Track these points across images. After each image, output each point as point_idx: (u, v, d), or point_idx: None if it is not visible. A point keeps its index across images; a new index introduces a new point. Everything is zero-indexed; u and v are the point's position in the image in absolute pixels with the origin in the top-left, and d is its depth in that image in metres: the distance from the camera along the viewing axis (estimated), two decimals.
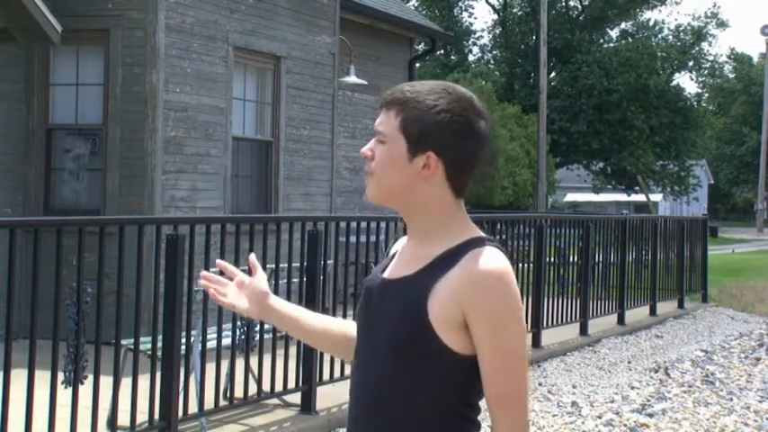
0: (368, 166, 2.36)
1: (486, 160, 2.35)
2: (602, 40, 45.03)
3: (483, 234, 2.34)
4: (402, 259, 2.39)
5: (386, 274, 2.40)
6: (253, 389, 7.50)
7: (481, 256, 2.25)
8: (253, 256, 2.72)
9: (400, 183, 2.32)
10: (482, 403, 2.33)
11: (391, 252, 2.51)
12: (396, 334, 2.28)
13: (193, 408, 6.82)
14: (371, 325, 2.36)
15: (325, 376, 7.97)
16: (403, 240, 2.49)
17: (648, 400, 9.15)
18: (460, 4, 48.49)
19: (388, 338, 2.29)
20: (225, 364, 7.22)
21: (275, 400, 7.77)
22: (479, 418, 2.35)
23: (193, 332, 7.03)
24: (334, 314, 8.13)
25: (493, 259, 2.24)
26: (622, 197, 53.06)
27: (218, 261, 2.82)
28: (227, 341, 7.20)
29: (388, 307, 2.32)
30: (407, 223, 2.39)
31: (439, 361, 2.25)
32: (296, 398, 7.76)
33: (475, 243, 2.29)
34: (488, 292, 2.21)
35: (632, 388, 9.72)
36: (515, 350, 2.24)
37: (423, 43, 20.60)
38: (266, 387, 7.53)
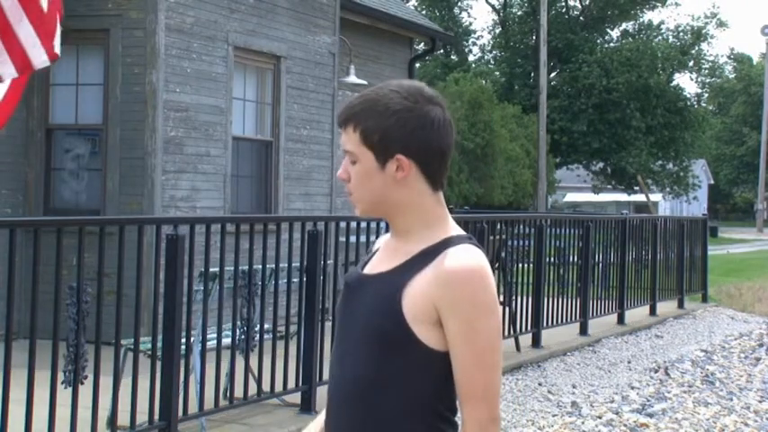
0: (346, 187, 2.38)
1: (452, 144, 2.36)
2: (602, 40, 44.99)
3: (462, 232, 2.36)
4: (383, 255, 2.42)
5: (366, 270, 2.42)
6: (253, 389, 7.50)
7: (455, 253, 2.27)
8: None
9: (380, 193, 2.34)
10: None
11: (375, 248, 2.53)
12: (371, 329, 2.29)
13: (193, 408, 6.82)
14: (349, 320, 2.38)
15: (326, 376, 7.96)
16: (385, 237, 2.50)
17: (648, 400, 9.15)
18: (460, 4, 48.48)
19: (364, 333, 2.31)
20: (225, 364, 7.22)
21: (275, 400, 7.77)
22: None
23: (193, 332, 7.03)
24: (333, 314, 8.13)
25: (466, 256, 2.26)
26: (622, 197, 53.03)
27: None
28: (227, 341, 7.20)
29: (365, 302, 2.33)
30: (390, 224, 2.41)
31: (414, 356, 2.26)
32: (296, 398, 7.76)
33: (452, 241, 2.31)
34: (460, 289, 2.23)
35: (632, 388, 9.72)
36: (487, 347, 2.25)
37: (423, 43, 20.60)
38: (266, 387, 7.53)
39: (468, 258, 2.26)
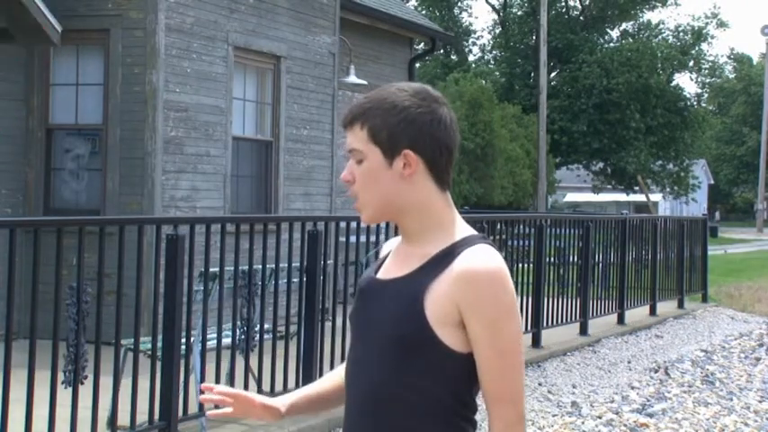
0: (350, 190, 2.36)
1: (457, 144, 2.37)
2: (602, 41, 45.00)
3: (475, 232, 2.35)
4: (396, 259, 2.39)
5: (380, 275, 2.40)
6: (253, 389, 7.49)
7: (475, 254, 2.26)
8: (224, 389, 2.57)
9: (387, 192, 2.32)
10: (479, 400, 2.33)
11: (383, 253, 2.51)
12: (393, 333, 2.28)
13: (193, 408, 6.82)
14: (367, 325, 2.36)
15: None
16: (393, 241, 2.49)
17: (648, 400, 9.15)
18: (460, 4, 48.49)
19: (386, 338, 2.29)
20: (225, 364, 7.22)
21: None
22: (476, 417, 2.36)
23: (193, 332, 7.04)
24: (333, 314, 8.14)
25: (486, 257, 2.26)
26: (622, 197, 53.05)
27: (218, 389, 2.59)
28: (227, 341, 7.20)
29: (385, 306, 2.32)
30: (399, 226, 2.40)
31: (437, 359, 2.25)
32: None
33: (468, 241, 2.30)
34: (482, 291, 2.23)
35: (632, 388, 9.72)
36: (511, 348, 2.26)
37: (423, 43, 20.61)
38: (266, 387, 7.53)
39: (488, 259, 2.26)
